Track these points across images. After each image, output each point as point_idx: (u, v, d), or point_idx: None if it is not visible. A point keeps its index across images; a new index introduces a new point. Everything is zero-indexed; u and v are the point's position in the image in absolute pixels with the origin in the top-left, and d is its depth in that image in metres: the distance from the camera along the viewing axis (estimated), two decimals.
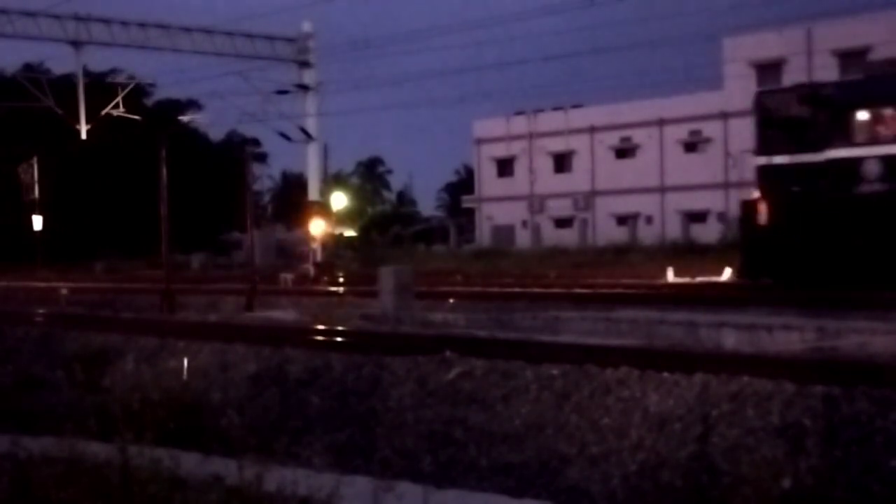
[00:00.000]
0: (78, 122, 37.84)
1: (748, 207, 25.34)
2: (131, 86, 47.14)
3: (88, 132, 38.34)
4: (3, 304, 28.43)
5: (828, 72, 49.41)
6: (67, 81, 40.79)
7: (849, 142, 23.19)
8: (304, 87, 39.46)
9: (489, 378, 11.26)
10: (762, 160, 24.97)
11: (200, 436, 10.25)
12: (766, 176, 24.71)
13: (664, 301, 21.60)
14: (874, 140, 22.95)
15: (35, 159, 59.86)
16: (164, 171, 24.21)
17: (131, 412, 10.12)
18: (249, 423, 11.07)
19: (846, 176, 23.09)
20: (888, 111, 23.04)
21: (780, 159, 24.37)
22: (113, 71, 67.77)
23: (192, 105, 74.54)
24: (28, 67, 59.80)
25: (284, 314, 21.67)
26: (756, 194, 24.86)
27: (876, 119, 23.19)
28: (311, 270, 37.88)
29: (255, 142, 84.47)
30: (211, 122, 75.32)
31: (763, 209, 24.43)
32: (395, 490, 6.98)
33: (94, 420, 9.71)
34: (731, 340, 15.96)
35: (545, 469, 9.26)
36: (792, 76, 51.19)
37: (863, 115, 23.30)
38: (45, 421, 11.06)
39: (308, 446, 10.44)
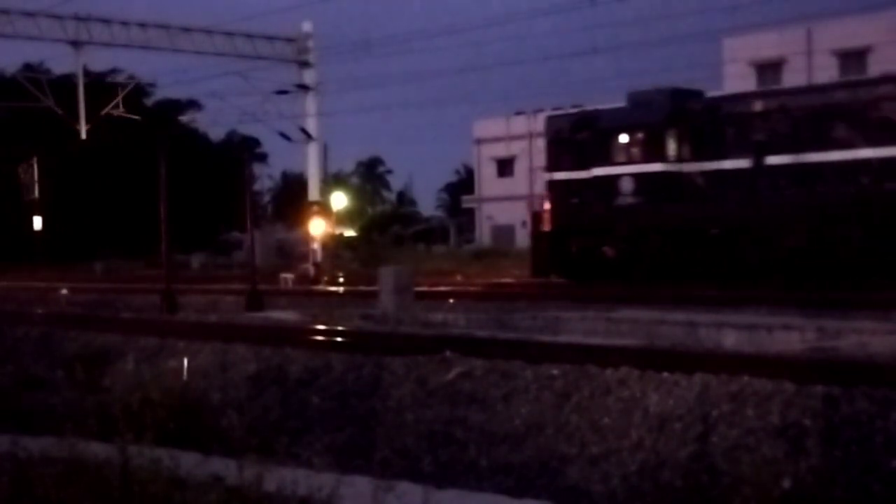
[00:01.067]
0: (78, 122, 37.84)
1: (536, 216, 30.63)
2: (131, 86, 47.15)
3: (88, 132, 38.34)
4: (3, 304, 28.42)
5: (828, 72, 49.39)
6: (67, 81, 40.76)
7: (609, 161, 27.89)
8: (304, 87, 39.47)
9: (489, 378, 11.26)
10: (548, 176, 30.13)
11: (200, 436, 10.25)
12: (552, 189, 29.73)
13: (663, 301, 21.62)
14: (628, 160, 27.64)
15: (35, 159, 59.86)
16: (164, 171, 24.21)
17: (131, 412, 10.12)
18: (249, 423, 11.06)
19: (607, 189, 27.90)
20: (639, 135, 27.60)
21: (560, 175, 29.23)
22: (113, 71, 67.77)
23: (192, 105, 74.47)
24: (28, 67, 59.74)
25: (284, 314, 21.68)
26: (545, 205, 29.86)
27: (630, 142, 27.78)
28: (312, 270, 37.90)
29: (255, 142, 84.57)
30: (211, 122, 75.32)
31: (547, 217, 29.46)
32: (395, 490, 6.96)
33: (94, 420, 9.73)
34: (731, 340, 15.97)
35: (545, 469, 9.26)
36: (792, 76, 51.20)
37: (621, 139, 27.89)
38: (45, 421, 11.06)
39: (308, 446, 10.44)
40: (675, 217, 26.61)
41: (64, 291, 31.68)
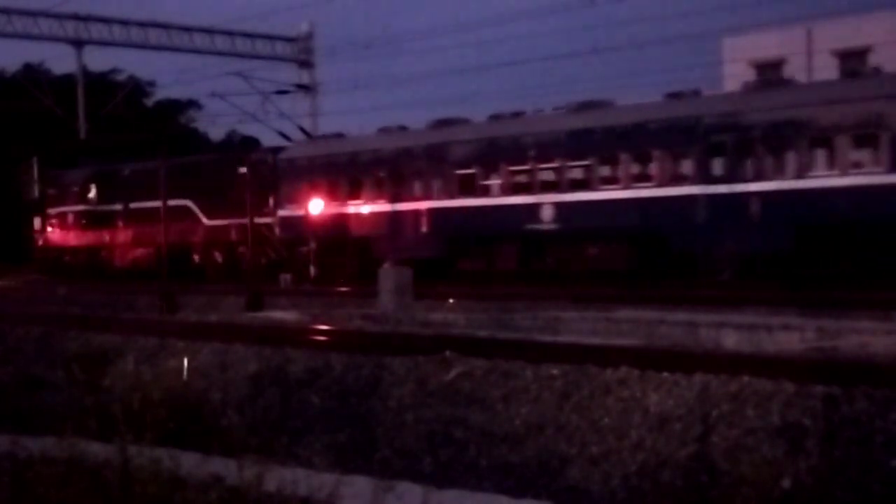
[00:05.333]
0: (78, 122, 37.83)
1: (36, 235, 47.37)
2: (131, 86, 47.13)
3: (88, 132, 38.34)
4: (3, 304, 28.41)
5: (828, 72, 49.35)
6: (67, 81, 40.77)
7: (71, 202, 44.58)
8: (304, 87, 39.50)
9: (489, 378, 11.26)
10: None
11: (200, 436, 10.23)
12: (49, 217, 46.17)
13: (663, 301, 21.61)
14: (74, 202, 44.33)
15: (35, 159, 59.69)
16: (164, 171, 24.21)
17: (131, 412, 10.09)
18: (249, 423, 11.06)
19: (63, 219, 45.08)
20: (77, 187, 44.31)
21: (52, 210, 46.06)
22: (113, 71, 67.69)
23: (192, 105, 74.34)
24: (28, 67, 59.70)
25: (285, 314, 21.66)
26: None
27: (77, 190, 44.31)
28: (312, 270, 37.83)
29: (256, 142, 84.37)
30: (211, 122, 75.19)
31: (42, 237, 46.58)
32: (395, 490, 6.97)
33: (94, 420, 9.71)
34: (731, 340, 15.96)
35: (545, 469, 9.26)
36: (792, 76, 51.08)
37: (85, 188, 44.25)
38: (45, 421, 11.04)
39: (308, 446, 10.42)
40: (89, 238, 43.78)
41: (64, 291, 31.65)
